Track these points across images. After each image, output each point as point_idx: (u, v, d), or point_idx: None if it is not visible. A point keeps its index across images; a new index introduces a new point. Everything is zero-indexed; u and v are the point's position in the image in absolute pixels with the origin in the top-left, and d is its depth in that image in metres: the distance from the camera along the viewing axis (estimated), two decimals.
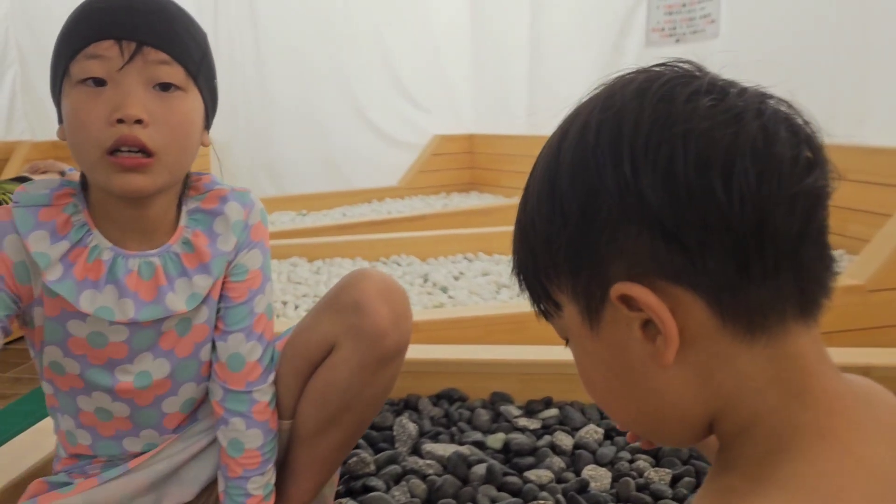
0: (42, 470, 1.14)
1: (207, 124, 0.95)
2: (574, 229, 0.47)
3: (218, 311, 0.99)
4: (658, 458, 1.28)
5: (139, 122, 0.84)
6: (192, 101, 0.90)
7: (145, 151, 0.85)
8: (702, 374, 0.46)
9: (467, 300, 2.31)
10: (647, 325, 0.46)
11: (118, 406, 0.97)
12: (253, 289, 0.99)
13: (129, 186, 0.86)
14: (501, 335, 1.84)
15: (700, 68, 0.48)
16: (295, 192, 4.43)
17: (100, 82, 0.85)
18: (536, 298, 0.52)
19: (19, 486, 1.09)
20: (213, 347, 1.00)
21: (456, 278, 2.55)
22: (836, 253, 2.46)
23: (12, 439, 1.25)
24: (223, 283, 0.99)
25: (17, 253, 0.89)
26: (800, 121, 0.46)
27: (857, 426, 0.45)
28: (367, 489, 1.19)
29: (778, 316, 0.45)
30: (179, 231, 0.95)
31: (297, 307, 2.26)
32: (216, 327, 0.99)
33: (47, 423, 1.20)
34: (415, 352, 1.55)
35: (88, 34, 0.85)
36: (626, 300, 0.45)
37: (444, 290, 2.41)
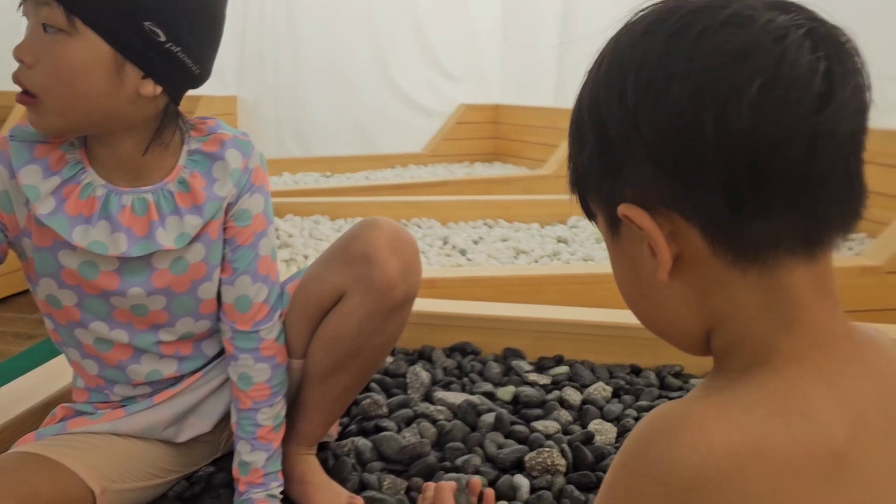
0: (61, 398, 1.18)
1: (150, 73, 0.89)
2: (591, 153, 0.50)
3: (224, 254, 1.01)
4: None
5: (23, 62, 0.86)
6: (79, 45, 0.85)
7: (28, 92, 0.87)
8: (698, 294, 0.49)
9: (485, 263, 2.34)
10: None
11: (116, 333, 1.00)
12: (258, 232, 1.02)
13: (29, 121, 0.91)
14: (516, 297, 1.87)
15: None
16: (320, 153, 4.46)
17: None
18: (581, 204, 0.56)
19: (34, 414, 1.14)
20: (220, 289, 1.02)
21: (475, 242, 2.58)
22: (858, 236, 2.45)
23: (27, 373, 1.28)
24: (227, 226, 1.00)
25: (2, 182, 0.92)
26: (827, 53, 0.44)
27: (840, 361, 0.47)
28: (379, 429, 1.23)
29: (770, 250, 0.46)
30: (177, 170, 0.97)
31: None
32: (223, 269, 1.02)
33: (60, 360, 1.24)
34: (431, 305, 1.60)
35: None
36: (632, 221, 0.48)
37: (463, 252, 2.44)
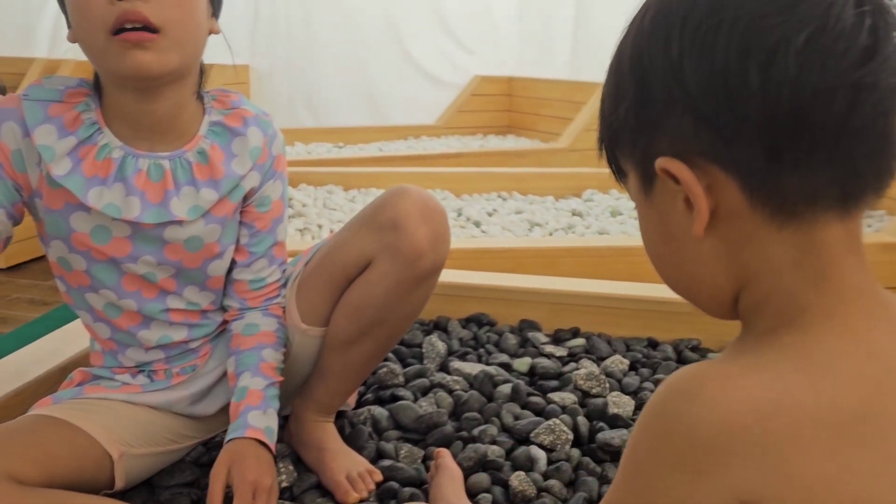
0: (78, 362, 1.18)
1: (215, 12, 0.95)
2: (630, 106, 0.50)
3: (239, 237, 1.02)
4: None
5: None
6: None
7: (149, 28, 0.84)
8: (731, 250, 0.49)
9: (500, 236, 2.33)
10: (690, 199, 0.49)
11: (126, 302, 0.99)
12: (275, 218, 1.03)
13: (135, 64, 0.84)
14: (532, 268, 1.86)
15: None
16: (332, 124, 4.43)
17: None
18: (610, 163, 0.55)
19: (51, 377, 1.14)
20: (233, 269, 1.03)
21: (490, 214, 2.56)
22: (878, 213, 2.42)
23: (43, 336, 1.28)
24: (246, 210, 1.01)
25: (15, 141, 0.90)
26: (872, 9, 0.44)
27: (867, 316, 0.47)
28: (396, 398, 1.23)
29: (808, 205, 0.46)
30: (197, 140, 0.96)
31: (332, 231, 2.29)
32: (239, 252, 1.02)
33: (76, 324, 1.24)
34: (447, 275, 1.58)
35: None
36: (669, 174, 0.48)
37: (478, 224, 2.43)
